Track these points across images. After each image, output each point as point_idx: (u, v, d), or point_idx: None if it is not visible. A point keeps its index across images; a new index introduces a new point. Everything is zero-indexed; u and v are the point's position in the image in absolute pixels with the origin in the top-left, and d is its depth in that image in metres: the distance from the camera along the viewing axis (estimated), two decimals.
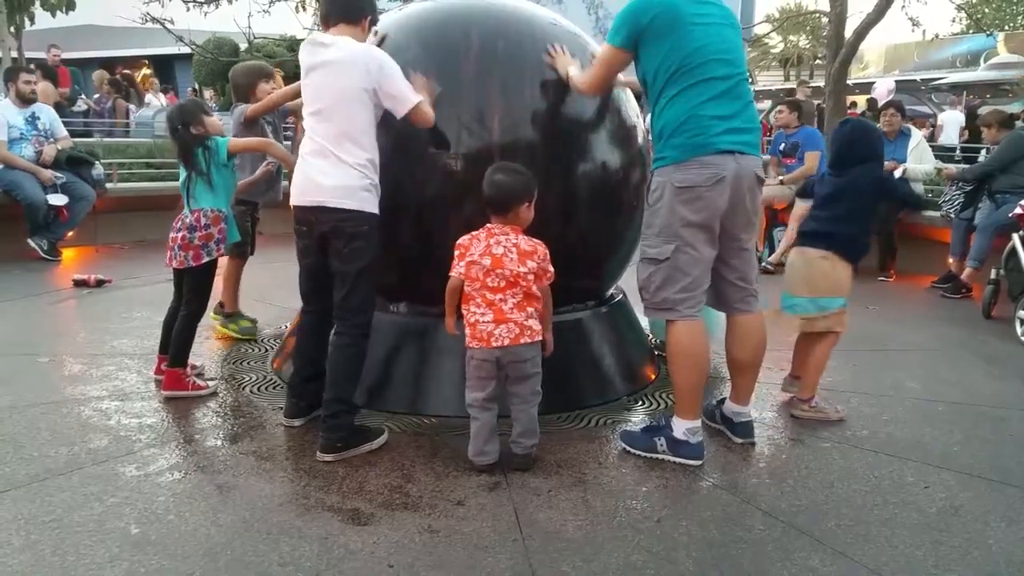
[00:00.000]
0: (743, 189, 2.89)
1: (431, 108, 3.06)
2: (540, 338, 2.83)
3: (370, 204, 2.98)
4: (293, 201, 3.06)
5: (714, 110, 2.81)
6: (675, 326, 2.95)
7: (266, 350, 4.30)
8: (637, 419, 3.42)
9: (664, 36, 2.84)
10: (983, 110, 9.89)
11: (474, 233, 2.86)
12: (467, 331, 2.82)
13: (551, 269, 2.86)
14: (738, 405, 3.19)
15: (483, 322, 2.77)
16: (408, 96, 2.98)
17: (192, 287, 3.57)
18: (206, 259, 3.50)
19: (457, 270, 2.82)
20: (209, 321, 4.36)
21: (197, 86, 19.33)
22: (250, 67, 4.54)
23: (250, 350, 4.31)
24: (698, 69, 2.82)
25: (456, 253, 2.84)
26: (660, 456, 2.98)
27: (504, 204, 2.82)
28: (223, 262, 4.16)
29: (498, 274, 2.76)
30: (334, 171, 2.92)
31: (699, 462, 2.95)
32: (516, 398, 2.86)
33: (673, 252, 2.87)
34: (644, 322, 4.26)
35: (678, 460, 2.95)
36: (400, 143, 3.22)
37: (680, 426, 2.97)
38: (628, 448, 3.05)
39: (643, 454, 3.01)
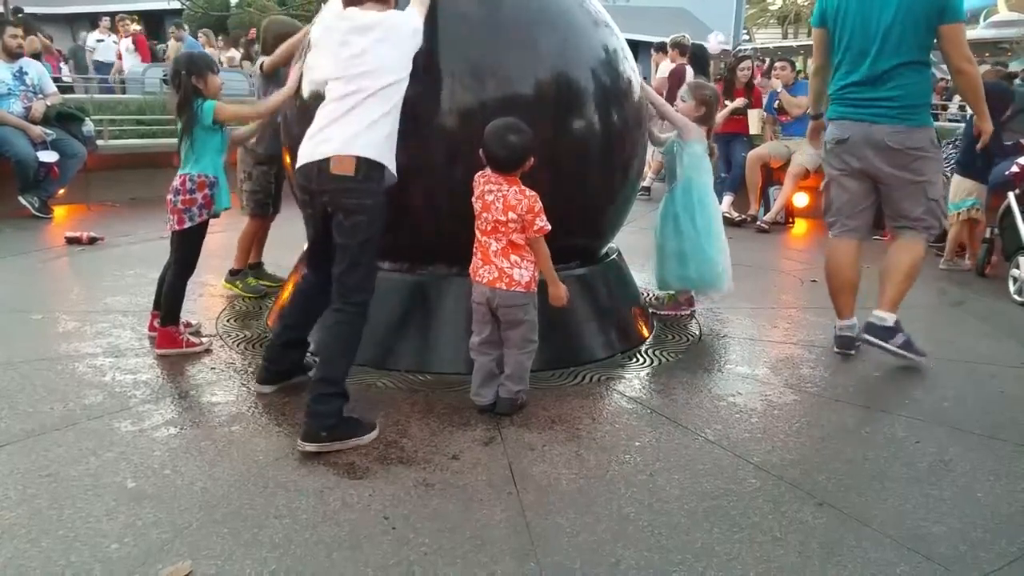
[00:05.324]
0: (868, 153, 3.52)
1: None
2: (524, 289, 2.86)
3: (377, 178, 2.78)
4: (299, 177, 2.88)
5: (849, 79, 3.54)
6: (828, 241, 3.83)
7: (263, 308, 4.29)
8: (630, 376, 3.44)
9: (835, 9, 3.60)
10: (982, 68, 9.77)
11: (479, 173, 2.91)
12: None
13: (539, 223, 2.82)
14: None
15: (475, 259, 2.94)
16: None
17: (176, 249, 3.51)
18: (188, 224, 3.43)
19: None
20: (207, 280, 4.34)
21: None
22: (279, 24, 4.38)
23: (250, 308, 4.30)
24: (843, 41, 3.55)
25: None
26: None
27: (517, 164, 2.85)
28: (236, 223, 4.11)
29: (484, 218, 2.86)
30: (346, 140, 2.72)
31: (838, 350, 3.76)
32: (508, 343, 2.97)
33: (825, 184, 3.84)
34: (640, 280, 4.28)
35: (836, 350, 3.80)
36: (404, 100, 3.17)
37: (837, 324, 3.80)
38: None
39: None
